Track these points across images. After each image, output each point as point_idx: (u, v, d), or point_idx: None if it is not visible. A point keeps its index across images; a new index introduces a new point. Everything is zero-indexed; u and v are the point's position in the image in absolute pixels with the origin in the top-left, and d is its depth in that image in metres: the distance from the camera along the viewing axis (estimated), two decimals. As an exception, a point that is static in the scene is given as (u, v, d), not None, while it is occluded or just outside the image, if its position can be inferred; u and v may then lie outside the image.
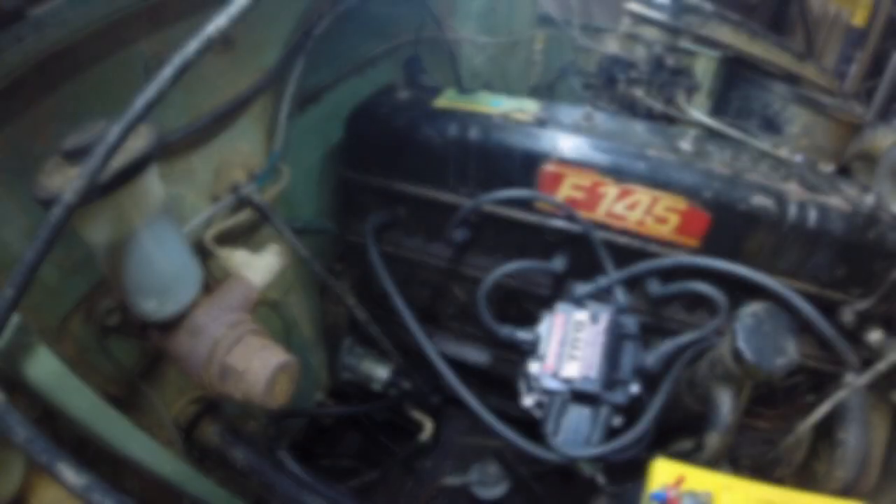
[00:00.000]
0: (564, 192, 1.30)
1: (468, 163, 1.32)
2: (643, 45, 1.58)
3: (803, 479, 1.75)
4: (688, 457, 1.35)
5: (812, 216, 1.28)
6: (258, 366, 0.77)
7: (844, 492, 1.47)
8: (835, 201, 1.33)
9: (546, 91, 1.96)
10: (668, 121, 1.64)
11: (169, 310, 0.79)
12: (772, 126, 1.74)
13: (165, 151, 0.91)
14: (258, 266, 0.88)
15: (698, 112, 1.54)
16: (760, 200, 1.27)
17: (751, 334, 1.20)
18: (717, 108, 1.87)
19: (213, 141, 0.97)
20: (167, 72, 0.58)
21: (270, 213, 1.03)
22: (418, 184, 1.39)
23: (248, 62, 0.97)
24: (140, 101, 0.58)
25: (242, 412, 1.23)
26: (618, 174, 1.26)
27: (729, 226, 1.29)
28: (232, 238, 1.06)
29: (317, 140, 1.39)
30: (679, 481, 1.08)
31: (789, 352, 1.21)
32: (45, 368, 0.65)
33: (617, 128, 1.35)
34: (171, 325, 0.81)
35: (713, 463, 1.32)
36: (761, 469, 1.68)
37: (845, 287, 1.37)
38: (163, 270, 0.77)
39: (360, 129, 1.37)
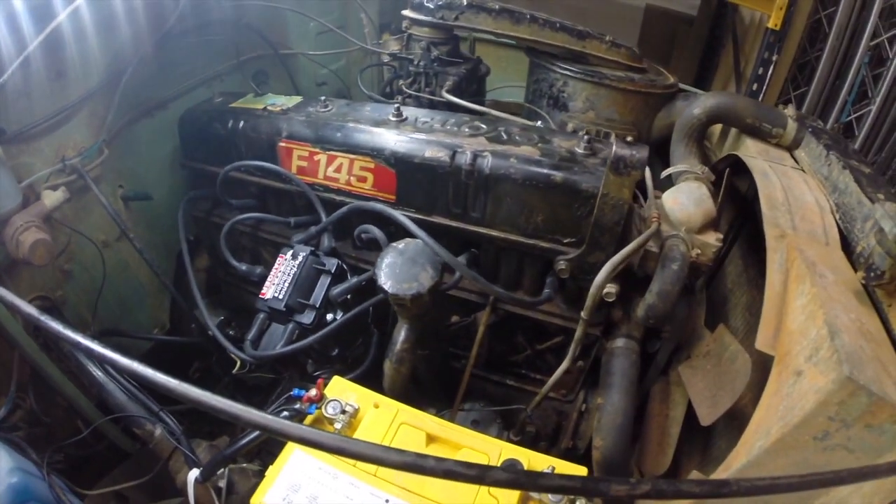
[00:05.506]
0: (296, 162, 1.98)
1: (240, 146, 2.07)
2: (416, 42, 2.33)
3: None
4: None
5: (487, 163, 1.70)
6: (29, 239, 1.76)
7: (605, 462, 1.71)
8: (523, 150, 1.72)
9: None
10: (447, 107, 2.34)
11: (-1, 212, 1.89)
12: (558, 103, 2.29)
13: (25, 137, 2.07)
14: (51, 197, 1.95)
15: (449, 95, 2.20)
16: (434, 153, 1.74)
17: (388, 264, 1.73)
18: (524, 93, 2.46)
19: (55, 132, 2.02)
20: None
21: (87, 176, 2.10)
22: (219, 166, 2.31)
23: (76, 85, 2.00)
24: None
25: (80, 322, 2.29)
26: (322, 144, 1.88)
27: (411, 179, 1.79)
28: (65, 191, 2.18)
29: (165, 138, 2.32)
30: (319, 386, 1.61)
31: (421, 280, 1.76)
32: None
33: (345, 111, 1.95)
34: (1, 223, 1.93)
35: (394, 389, 1.80)
36: (549, 438, 2.07)
37: (554, 236, 1.74)
38: (-6, 190, 1.88)
39: (185, 127, 2.26)
